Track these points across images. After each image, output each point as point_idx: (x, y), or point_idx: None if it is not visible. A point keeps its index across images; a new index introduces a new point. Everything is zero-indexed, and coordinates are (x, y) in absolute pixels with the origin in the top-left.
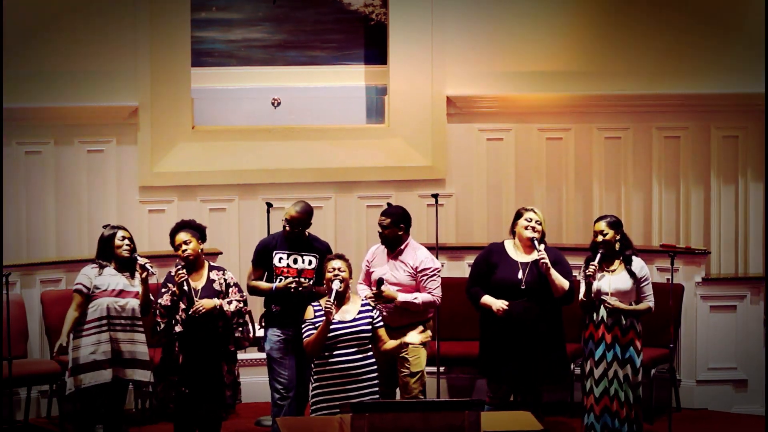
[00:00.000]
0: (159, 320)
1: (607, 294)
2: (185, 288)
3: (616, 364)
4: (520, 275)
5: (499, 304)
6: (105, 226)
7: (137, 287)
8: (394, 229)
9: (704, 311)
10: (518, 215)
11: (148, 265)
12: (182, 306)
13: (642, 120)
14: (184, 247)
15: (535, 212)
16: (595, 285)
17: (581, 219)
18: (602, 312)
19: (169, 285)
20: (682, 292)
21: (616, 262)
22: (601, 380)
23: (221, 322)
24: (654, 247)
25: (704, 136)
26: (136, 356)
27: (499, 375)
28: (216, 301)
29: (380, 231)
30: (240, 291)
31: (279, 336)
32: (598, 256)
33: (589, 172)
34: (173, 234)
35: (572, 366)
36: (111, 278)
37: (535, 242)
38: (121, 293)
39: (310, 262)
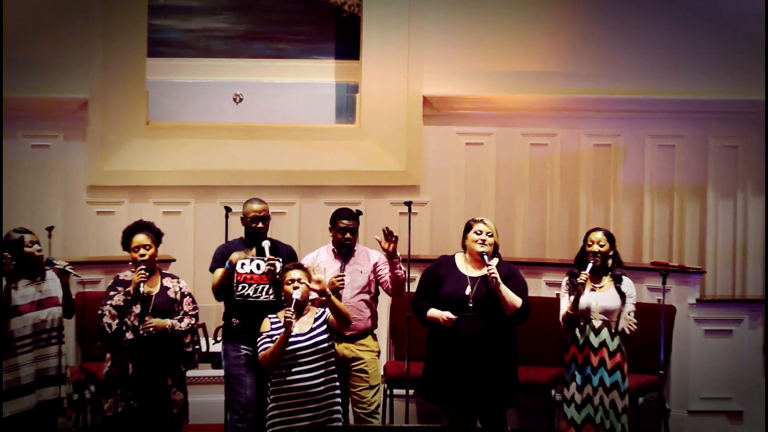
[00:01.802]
0: (110, 321)
1: (590, 311)
2: (141, 291)
3: (602, 390)
4: (468, 290)
5: (446, 315)
6: (48, 228)
7: (54, 292)
8: (357, 233)
9: (698, 335)
10: (468, 227)
11: (68, 268)
12: (135, 310)
13: (634, 126)
14: (142, 252)
15: (485, 223)
16: (584, 301)
17: (566, 232)
18: (586, 331)
19: (119, 288)
20: (674, 314)
21: (605, 278)
22: (584, 407)
23: (186, 338)
24: (644, 264)
25: (701, 146)
26: (47, 373)
27: (439, 398)
28: (168, 322)
29: (344, 236)
30: (194, 302)
31: (239, 352)
32: (589, 266)
33: (576, 181)
34: (130, 235)
35: (553, 392)
36: (25, 290)
37: (485, 256)
38: (40, 304)
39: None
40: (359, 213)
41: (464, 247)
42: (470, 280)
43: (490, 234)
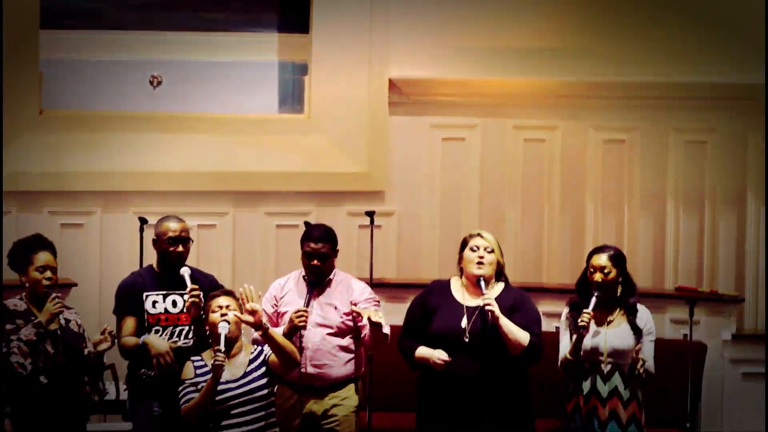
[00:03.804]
0: (22, 361)
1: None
2: (62, 323)
3: None
4: (464, 324)
5: (437, 354)
6: None
7: None
8: (331, 258)
9: (734, 378)
10: (463, 244)
11: None
12: (49, 349)
13: (655, 118)
14: (49, 274)
15: (483, 237)
16: (589, 342)
17: (568, 251)
18: (592, 377)
19: (18, 321)
20: (704, 354)
21: (615, 311)
22: None
23: (86, 376)
24: (667, 291)
25: (739, 142)
26: None
27: None
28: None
29: (311, 262)
30: (89, 339)
31: (152, 413)
32: (593, 300)
33: (581, 187)
34: (29, 251)
35: None
36: None
37: (482, 282)
38: None
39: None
40: (372, 215)
41: (461, 270)
42: (467, 311)
43: (490, 250)
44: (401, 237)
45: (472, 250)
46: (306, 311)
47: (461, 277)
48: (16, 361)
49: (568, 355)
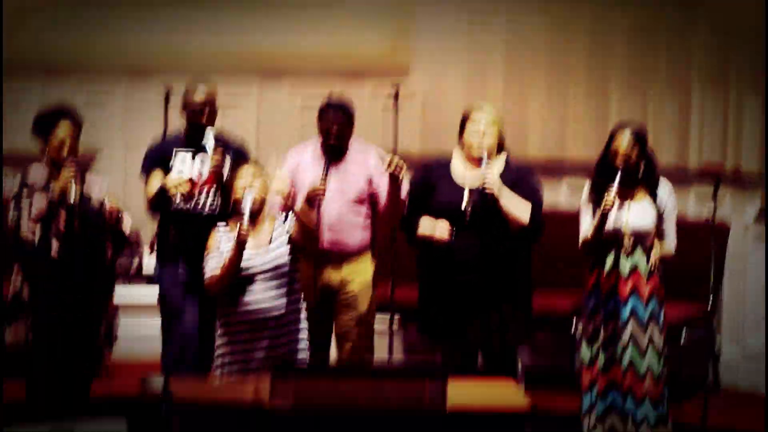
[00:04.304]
0: (32, 231)
1: (624, 230)
2: (74, 190)
3: (633, 323)
4: (464, 200)
5: (440, 225)
6: None
7: None
8: (349, 130)
9: (758, 259)
10: (464, 118)
11: None
12: (61, 219)
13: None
14: (68, 143)
15: (484, 111)
16: (611, 221)
17: (593, 128)
18: (614, 254)
19: (34, 191)
20: (728, 233)
21: (637, 188)
22: (609, 345)
23: (109, 244)
24: (691, 168)
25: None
26: None
27: (437, 332)
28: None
29: (329, 134)
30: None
31: (177, 272)
32: (617, 178)
33: (607, 63)
34: (51, 121)
35: (573, 326)
36: None
37: (483, 158)
38: None
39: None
40: (396, 94)
41: (462, 145)
42: (468, 187)
43: (490, 124)
44: (426, 114)
45: (472, 125)
46: (323, 188)
47: (462, 152)
48: (26, 231)
49: (589, 236)
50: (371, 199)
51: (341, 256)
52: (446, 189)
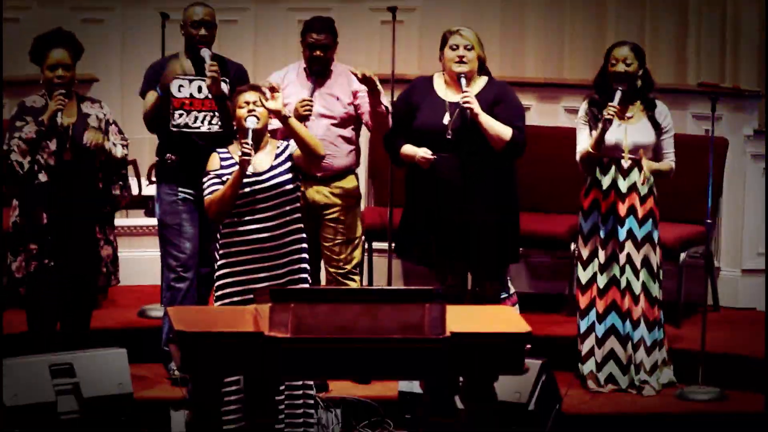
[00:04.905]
0: (20, 159)
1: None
2: (58, 121)
3: (630, 244)
4: (446, 120)
5: (421, 152)
6: None
7: None
8: (332, 49)
9: (756, 175)
10: (443, 40)
11: None
12: (50, 146)
13: None
14: (61, 72)
15: (461, 35)
16: (610, 137)
17: (590, 47)
18: (612, 172)
19: (27, 118)
20: (725, 149)
21: (634, 105)
22: (608, 266)
23: (101, 173)
24: (689, 86)
25: None
26: None
27: (413, 253)
28: (107, 142)
29: (314, 53)
30: (121, 132)
31: (175, 196)
32: (618, 93)
33: None
34: (45, 47)
35: (573, 246)
36: None
37: (462, 80)
38: None
39: None
40: (394, 10)
41: (443, 66)
42: (449, 107)
43: (469, 47)
44: (422, 32)
45: (451, 48)
46: (311, 101)
47: (443, 73)
48: (15, 160)
49: (590, 149)
50: (356, 118)
51: (326, 177)
52: (428, 107)
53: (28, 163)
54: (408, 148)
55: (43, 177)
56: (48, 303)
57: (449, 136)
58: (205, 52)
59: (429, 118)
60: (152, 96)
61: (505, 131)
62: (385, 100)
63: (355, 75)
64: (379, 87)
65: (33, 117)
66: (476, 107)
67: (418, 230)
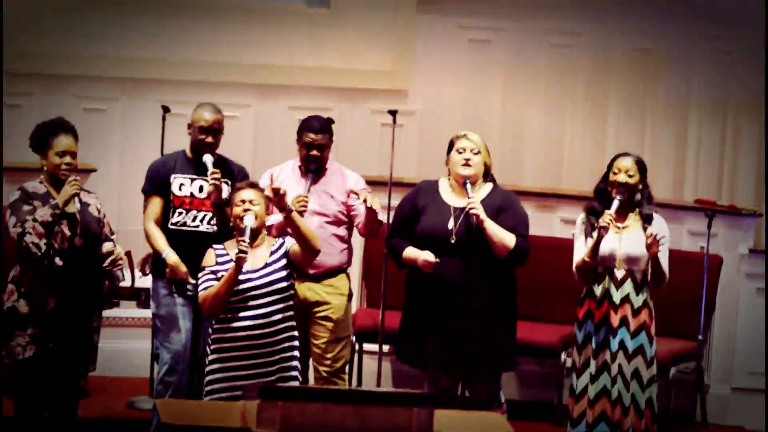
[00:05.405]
0: (37, 241)
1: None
2: (78, 204)
3: (622, 355)
4: (450, 224)
5: (424, 256)
6: None
7: None
8: (328, 148)
9: (749, 293)
10: (450, 145)
11: None
12: (66, 232)
13: (686, 25)
14: (68, 159)
15: (468, 139)
16: (605, 246)
17: (589, 158)
18: (605, 282)
19: (35, 203)
20: (720, 266)
21: (631, 216)
22: (599, 376)
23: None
24: (686, 203)
25: (763, 52)
26: None
27: (416, 359)
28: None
29: (310, 152)
30: (109, 224)
31: (172, 290)
32: (615, 203)
33: (605, 94)
34: (51, 134)
35: (563, 357)
36: None
37: (468, 185)
38: None
39: None
40: (394, 113)
41: (449, 171)
42: (454, 211)
43: (475, 151)
44: (422, 136)
45: (458, 152)
46: (306, 197)
47: (449, 177)
48: (31, 242)
49: (585, 257)
50: (349, 218)
51: (318, 275)
52: (433, 211)
53: (44, 245)
54: (411, 251)
55: (59, 261)
56: (38, 389)
57: (453, 241)
58: (208, 159)
59: (434, 222)
60: (155, 206)
61: (510, 239)
62: (381, 214)
63: (355, 194)
64: (377, 207)
65: (41, 201)
66: (482, 214)
67: (417, 334)
